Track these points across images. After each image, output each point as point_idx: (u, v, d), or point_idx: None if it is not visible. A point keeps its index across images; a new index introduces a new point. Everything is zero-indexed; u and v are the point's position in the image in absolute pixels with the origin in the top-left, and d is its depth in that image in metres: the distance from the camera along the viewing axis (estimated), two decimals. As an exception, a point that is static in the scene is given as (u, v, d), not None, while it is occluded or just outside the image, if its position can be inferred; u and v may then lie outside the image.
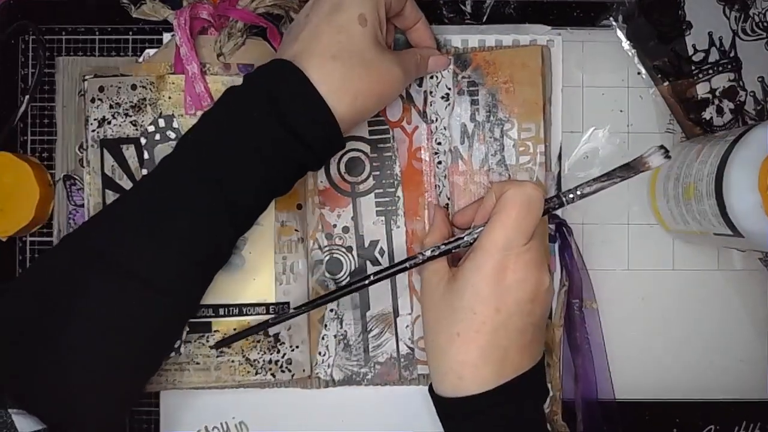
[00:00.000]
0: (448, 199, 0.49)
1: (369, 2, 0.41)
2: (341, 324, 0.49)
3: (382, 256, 0.50)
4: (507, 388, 0.41)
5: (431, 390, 0.44)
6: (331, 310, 0.49)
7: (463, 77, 0.49)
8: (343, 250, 0.50)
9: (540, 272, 0.41)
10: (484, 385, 0.40)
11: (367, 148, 0.50)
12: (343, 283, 0.49)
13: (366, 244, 0.50)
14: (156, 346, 0.42)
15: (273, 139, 0.39)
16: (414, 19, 0.46)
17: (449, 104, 0.49)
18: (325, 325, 0.49)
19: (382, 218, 0.50)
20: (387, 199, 0.50)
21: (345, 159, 0.50)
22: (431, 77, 0.49)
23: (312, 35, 0.40)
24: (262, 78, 0.40)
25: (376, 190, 0.50)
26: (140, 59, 0.50)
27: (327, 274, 0.49)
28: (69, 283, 0.38)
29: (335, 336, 0.49)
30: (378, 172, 0.50)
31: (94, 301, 0.38)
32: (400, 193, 0.50)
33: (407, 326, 0.49)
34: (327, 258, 0.49)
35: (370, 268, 0.49)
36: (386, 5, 0.42)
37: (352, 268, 0.50)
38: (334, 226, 0.50)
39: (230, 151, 0.39)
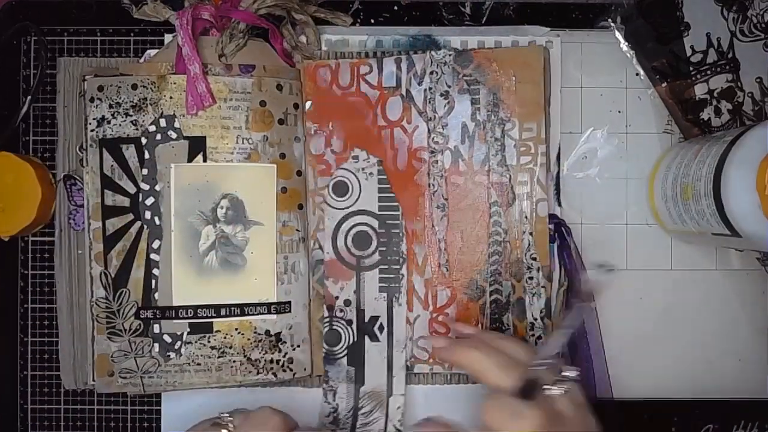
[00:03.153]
0: (445, 199, 0.50)
1: None
2: (334, 396, 0.49)
3: (381, 333, 0.49)
4: None
5: None
6: (326, 382, 0.49)
7: (464, 75, 0.49)
8: (343, 323, 0.49)
9: None
10: None
11: (375, 222, 0.50)
12: (340, 355, 0.49)
13: (366, 319, 0.49)
14: None
15: None
16: None
17: (448, 103, 0.50)
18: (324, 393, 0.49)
19: (385, 295, 0.49)
20: (391, 276, 0.50)
21: (353, 232, 0.50)
22: (431, 72, 0.50)
23: None
24: None
25: (381, 266, 0.50)
26: (141, 60, 0.50)
27: (325, 345, 0.49)
28: None
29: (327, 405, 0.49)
30: (384, 248, 0.50)
31: None
32: (404, 271, 0.49)
33: (398, 407, 0.49)
34: (326, 329, 0.49)
35: (368, 344, 0.49)
36: None
37: (350, 342, 0.49)
38: (336, 297, 0.50)
39: None
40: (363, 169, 0.50)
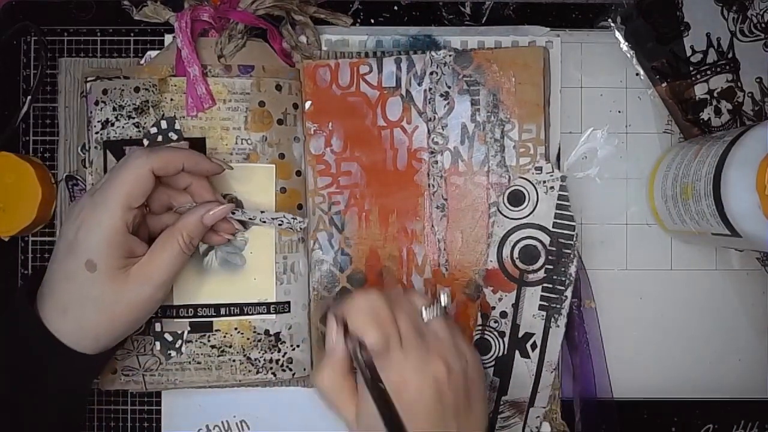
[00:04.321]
0: (445, 199, 0.50)
1: (97, 244, 0.40)
2: None
3: (533, 350, 0.49)
4: None
5: None
6: None
7: (464, 76, 0.49)
8: (496, 333, 0.49)
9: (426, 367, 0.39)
10: None
11: (547, 239, 0.48)
12: (487, 365, 0.49)
13: (520, 335, 0.49)
14: None
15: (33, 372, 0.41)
16: (186, 182, 0.44)
17: (448, 103, 0.50)
18: None
19: (543, 314, 0.48)
20: (554, 296, 0.48)
21: (520, 245, 0.49)
22: (431, 73, 0.49)
23: (47, 281, 0.42)
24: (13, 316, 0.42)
25: (545, 284, 0.49)
26: (142, 61, 0.50)
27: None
28: None
29: None
30: (552, 267, 0.48)
31: None
32: (568, 293, 0.48)
33: (537, 417, 0.49)
34: (477, 337, 0.49)
35: (517, 359, 0.49)
36: (129, 222, 0.41)
37: (500, 353, 0.49)
38: (493, 308, 0.49)
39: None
40: (545, 182, 0.48)
